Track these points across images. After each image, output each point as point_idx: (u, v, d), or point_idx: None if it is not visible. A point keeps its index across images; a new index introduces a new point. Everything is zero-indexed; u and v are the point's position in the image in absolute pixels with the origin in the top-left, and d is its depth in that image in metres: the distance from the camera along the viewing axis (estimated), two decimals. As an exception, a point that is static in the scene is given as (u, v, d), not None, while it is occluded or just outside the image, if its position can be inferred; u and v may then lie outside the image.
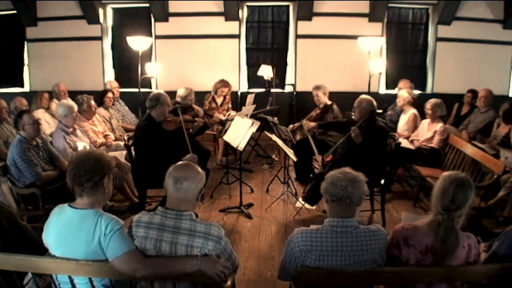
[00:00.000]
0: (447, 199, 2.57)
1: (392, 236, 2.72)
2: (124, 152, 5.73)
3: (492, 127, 6.64)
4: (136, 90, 8.22)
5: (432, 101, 6.47)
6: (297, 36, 9.41)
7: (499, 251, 2.73)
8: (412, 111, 6.92)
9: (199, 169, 2.71)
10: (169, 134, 5.39)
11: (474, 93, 7.68)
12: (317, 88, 7.11)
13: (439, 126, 6.34)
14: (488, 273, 2.65)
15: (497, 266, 2.66)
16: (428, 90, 9.55)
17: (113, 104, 7.28)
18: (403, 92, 7.14)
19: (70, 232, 2.54)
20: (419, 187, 5.98)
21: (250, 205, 5.88)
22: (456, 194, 2.56)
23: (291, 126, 7.18)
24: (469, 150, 5.77)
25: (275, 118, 6.89)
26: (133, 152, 5.25)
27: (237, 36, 9.43)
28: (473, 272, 2.66)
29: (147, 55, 9.04)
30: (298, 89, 9.04)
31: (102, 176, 2.64)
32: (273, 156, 7.95)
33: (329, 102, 6.98)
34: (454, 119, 7.88)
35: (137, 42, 7.82)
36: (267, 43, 9.81)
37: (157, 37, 9.38)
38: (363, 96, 5.49)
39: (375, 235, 2.65)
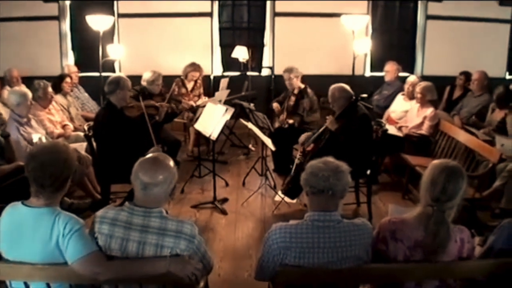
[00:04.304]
0: (437, 190, 2.59)
1: (378, 230, 2.75)
2: (84, 144, 5.67)
3: (486, 112, 6.73)
4: (97, 74, 8.12)
5: (422, 84, 6.52)
6: (275, 14, 9.40)
7: (495, 246, 2.76)
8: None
9: (171, 164, 2.66)
10: (133, 121, 5.35)
11: (467, 75, 7.76)
12: (289, 70, 7.02)
13: (429, 111, 6.39)
14: (483, 269, 2.70)
15: (493, 262, 2.70)
16: (418, 72, 9.62)
17: (71, 91, 7.19)
18: (413, 77, 7.21)
19: (25, 233, 2.50)
20: (408, 177, 6.03)
21: (224, 200, 5.89)
22: (446, 184, 2.58)
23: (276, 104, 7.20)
24: (462, 137, 5.83)
25: (252, 104, 6.88)
26: (94, 144, 5.20)
27: (209, 15, 9.37)
28: (467, 268, 2.70)
29: (109, 36, 8.93)
30: (277, 72, 8.99)
31: (67, 179, 2.62)
32: (250, 146, 7.97)
33: (302, 86, 6.99)
34: (445, 104, 7.97)
35: (97, 22, 7.71)
36: (243, 22, 9.78)
37: (120, 15, 9.26)
38: (332, 86, 5.45)
39: (360, 229, 2.67)
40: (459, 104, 7.46)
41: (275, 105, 7.27)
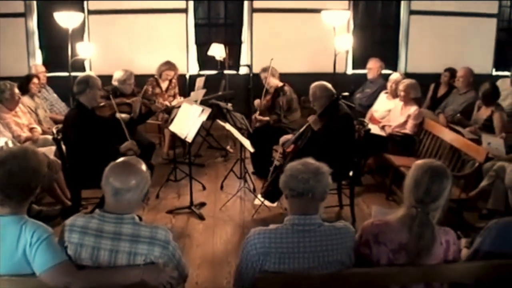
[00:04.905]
0: (420, 190, 2.61)
1: (361, 233, 2.76)
2: (53, 148, 5.61)
3: (472, 109, 6.79)
4: (66, 74, 8.05)
5: (406, 81, 6.57)
6: (253, 10, 9.40)
7: (482, 248, 2.79)
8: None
9: (143, 168, 2.65)
10: (106, 121, 5.33)
11: (452, 72, 7.83)
12: (264, 70, 7.13)
13: (413, 109, 6.44)
14: (470, 271, 2.73)
15: (481, 264, 2.73)
16: (401, 69, 9.67)
17: (39, 92, 7.12)
18: (396, 75, 7.27)
19: (-11, 243, 2.47)
20: (392, 178, 6.07)
21: (202, 204, 5.88)
22: (430, 184, 2.60)
23: (257, 101, 7.20)
24: (447, 136, 5.89)
25: (229, 104, 6.87)
26: (63, 147, 5.15)
27: (184, 11, 9.34)
28: (453, 271, 2.72)
29: (79, 34, 8.86)
30: (255, 70, 8.98)
31: (36, 188, 2.59)
32: (228, 147, 7.97)
33: (280, 84, 7.02)
34: (430, 102, 8.03)
35: (66, 19, 7.66)
36: (219, 19, 9.79)
37: (90, 12, 9.18)
38: (313, 84, 5.50)
39: (342, 233, 2.68)
40: (444, 102, 7.53)
41: (257, 101, 7.28)
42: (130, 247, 2.52)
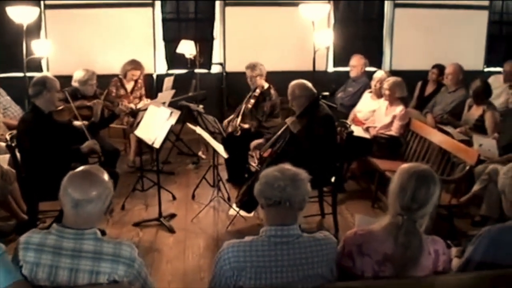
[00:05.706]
0: (406, 197, 2.62)
1: (343, 244, 2.76)
2: (7, 156, 5.55)
3: (462, 109, 6.86)
4: (21, 74, 7.97)
5: (391, 80, 6.61)
6: (226, 4, 9.42)
7: (474, 257, 2.81)
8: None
9: (105, 177, 2.63)
10: (64, 126, 5.28)
11: (440, 69, 7.92)
12: (252, 67, 6.98)
13: (399, 109, 6.49)
14: (461, 283, 2.73)
15: (473, 275, 2.75)
16: (386, 67, 9.77)
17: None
18: (380, 72, 7.31)
19: None
20: (378, 184, 6.11)
21: (172, 216, 5.87)
22: (417, 190, 2.61)
23: (225, 122, 7.17)
24: (436, 137, 5.93)
25: (200, 106, 6.84)
26: (18, 155, 5.09)
27: (151, 5, 9.33)
28: (443, 283, 2.73)
29: (35, 30, 8.78)
30: (228, 69, 9.02)
31: None
32: (199, 153, 7.95)
33: (266, 86, 6.99)
34: (417, 101, 8.11)
35: (20, 14, 7.58)
36: (189, 13, 9.77)
37: (46, 6, 9.10)
38: (292, 83, 5.52)
39: (322, 244, 2.68)
40: (432, 101, 7.59)
41: (225, 122, 7.23)
42: (92, 265, 2.49)
